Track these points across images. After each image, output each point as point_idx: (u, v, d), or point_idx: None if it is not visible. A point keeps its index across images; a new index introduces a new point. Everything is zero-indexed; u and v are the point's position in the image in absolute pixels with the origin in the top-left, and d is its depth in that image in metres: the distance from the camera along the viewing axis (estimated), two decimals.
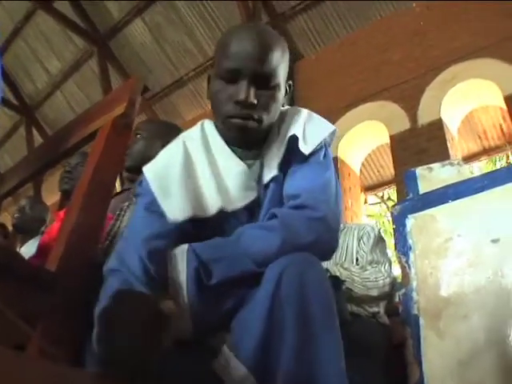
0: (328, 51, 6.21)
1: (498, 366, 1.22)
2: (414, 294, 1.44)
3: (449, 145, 4.85)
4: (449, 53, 5.03)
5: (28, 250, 2.80)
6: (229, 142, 1.07)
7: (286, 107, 1.13)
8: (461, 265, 1.38)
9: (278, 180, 1.05)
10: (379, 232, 2.17)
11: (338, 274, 1.90)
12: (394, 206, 1.66)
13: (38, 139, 8.60)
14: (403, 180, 1.76)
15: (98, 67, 7.49)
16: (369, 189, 7.33)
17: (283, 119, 1.09)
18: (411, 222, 1.53)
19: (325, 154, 1.07)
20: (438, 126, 4.95)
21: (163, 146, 1.19)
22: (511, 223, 1.34)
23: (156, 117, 7.42)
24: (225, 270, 0.91)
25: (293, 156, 1.05)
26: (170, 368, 0.84)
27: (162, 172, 1.06)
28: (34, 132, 8.94)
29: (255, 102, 0.99)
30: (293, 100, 5.46)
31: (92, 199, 1.29)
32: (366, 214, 8.83)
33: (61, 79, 8.36)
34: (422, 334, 1.37)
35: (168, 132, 1.72)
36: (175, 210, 1.01)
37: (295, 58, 6.13)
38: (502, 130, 6.22)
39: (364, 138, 5.84)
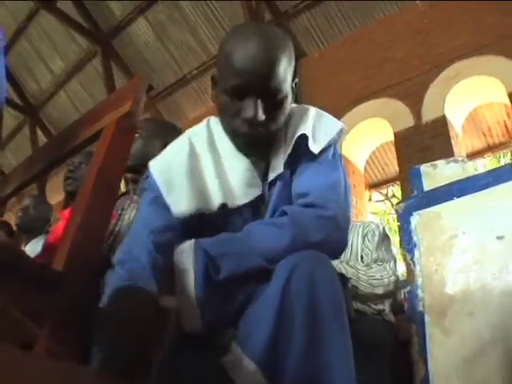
0: (331, 49, 6.18)
1: (503, 363, 1.22)
2: (419, 292, 1.44)
3: (453, 142, 4.83)
4: (452, 50, 5.01)
5: (32, 249, 2.80)
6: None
7: (294, 105, 1.11)
8: (466, 262, 1.38)
9: (284, 177, 1.04)
10: (384, 230, 2.17)
11: (343, 271, 1.90)
12: (398, 204, 1.65)
13: (42, 139, 8.60)
14: (408, 177, 1.76)
15: (102, 66, 7.48)
16: (373, 186, 7.32)
17: (291, 118, 1.08)
18: (416, 219, 1.53)
19: (334, 152, 1.07)
20: (442, 123, 4.93)
21: (162, 145, 1.19)
22: None
23: (160, 115, 7.41)
24: (233, 266, 0.91)
25: (301, 154, 1.04)
26: (178, 365, 0.84)
27: (168, 167, 1.06)
28: (38, 132, 8.95)
29: (263, 118, 0.97)
30: (297, 98, 5.44)
31: (97, 199, 1.29)
32: (371, 212, 8.79)
33: (64, 79, 8.36)
34: (428, 332, 1.37)
35: (167, 131, 1.72)
36: (180, 204, 1.01)
37: (298, 56, 6.11)
38: (506, 126, 6.20)
39: (368, 136, 5.82)
